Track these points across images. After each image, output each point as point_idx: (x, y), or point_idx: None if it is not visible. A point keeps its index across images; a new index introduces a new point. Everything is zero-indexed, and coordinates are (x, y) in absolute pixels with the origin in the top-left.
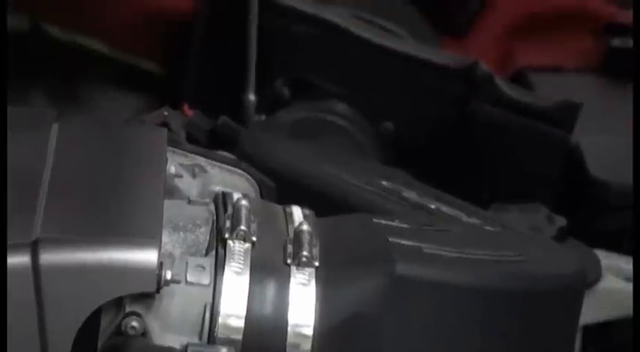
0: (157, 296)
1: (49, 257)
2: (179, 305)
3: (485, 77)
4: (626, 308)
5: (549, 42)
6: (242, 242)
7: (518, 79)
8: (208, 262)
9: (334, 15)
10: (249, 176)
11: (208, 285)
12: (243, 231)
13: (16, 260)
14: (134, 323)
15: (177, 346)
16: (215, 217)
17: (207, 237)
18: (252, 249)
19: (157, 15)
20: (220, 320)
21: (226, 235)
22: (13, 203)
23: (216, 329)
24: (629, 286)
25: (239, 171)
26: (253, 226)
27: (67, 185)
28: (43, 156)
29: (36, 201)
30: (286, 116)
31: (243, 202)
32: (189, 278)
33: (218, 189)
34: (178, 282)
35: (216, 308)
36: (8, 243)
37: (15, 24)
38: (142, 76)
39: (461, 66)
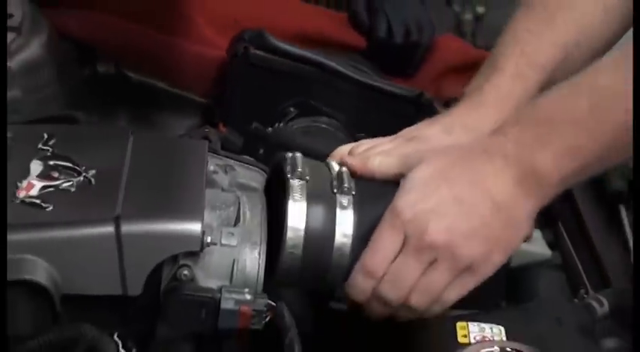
0: (200, 254)
1: (128, 228)
2: (216, 260)
3: (428, 102)
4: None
5: (470, 79)
6: (299, 180)
7: (448, 105)
8: (237, 230)
9: (329, 59)
10: (263, 172)
11: (236, 246)
12: (300, 171)
13: (103, 230)
14: (186, 272)
15: (215, 288)
16: (280, 167)
17: (235, 214)
18: (306, 184)
19: (202, 62)
20: (289, 233)
21: (288, 175)
22: (101, 190)
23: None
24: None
25: (256, 168)
26: (307, 169)
27: (139, 178)
28: (123, 158)
29: (118, 188)
30: (294, 125)
31: (298, 154)
32: (223, 242)
33: (243, 181)
34: (215, 244)
35: (242, 262)
36: (97, 217)
37: (104, 70)
38: (191, 105)
39: (411, 94)
